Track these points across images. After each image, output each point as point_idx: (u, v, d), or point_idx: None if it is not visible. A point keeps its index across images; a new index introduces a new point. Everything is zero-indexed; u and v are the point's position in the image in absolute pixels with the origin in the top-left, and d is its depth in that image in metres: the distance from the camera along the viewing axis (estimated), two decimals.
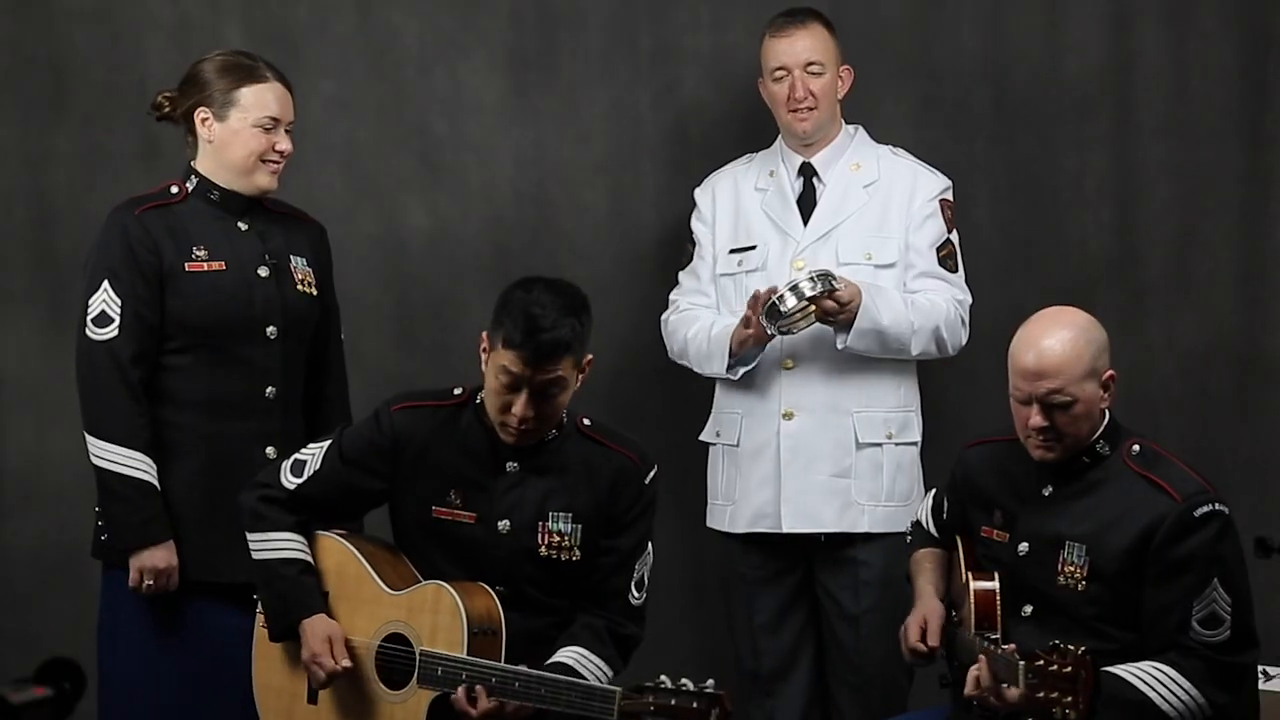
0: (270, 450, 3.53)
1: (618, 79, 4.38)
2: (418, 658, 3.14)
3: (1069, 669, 2.84)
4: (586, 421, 3.31)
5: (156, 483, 3.44)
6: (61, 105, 4.24)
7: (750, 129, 4.37)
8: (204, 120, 3.52)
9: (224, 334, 3.50)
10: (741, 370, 3.87)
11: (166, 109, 3.57)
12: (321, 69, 4.30)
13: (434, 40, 4.34)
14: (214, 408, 3.50)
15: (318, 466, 3.29)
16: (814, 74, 3.89)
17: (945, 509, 3.46)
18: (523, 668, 3.07)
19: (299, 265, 3.62)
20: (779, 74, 3.91)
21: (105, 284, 3.46)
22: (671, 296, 4.05)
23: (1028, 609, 3.20)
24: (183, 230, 3.51)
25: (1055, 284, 4.12)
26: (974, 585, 3.24)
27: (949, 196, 3.94)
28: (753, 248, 3.92)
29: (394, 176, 4.34)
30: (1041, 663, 2.85)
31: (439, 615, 3.15)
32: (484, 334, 3.20)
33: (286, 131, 3.54)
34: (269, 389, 3.55)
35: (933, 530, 3.50)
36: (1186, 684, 3.02)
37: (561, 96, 4.37)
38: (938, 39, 4.34)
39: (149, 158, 3.99)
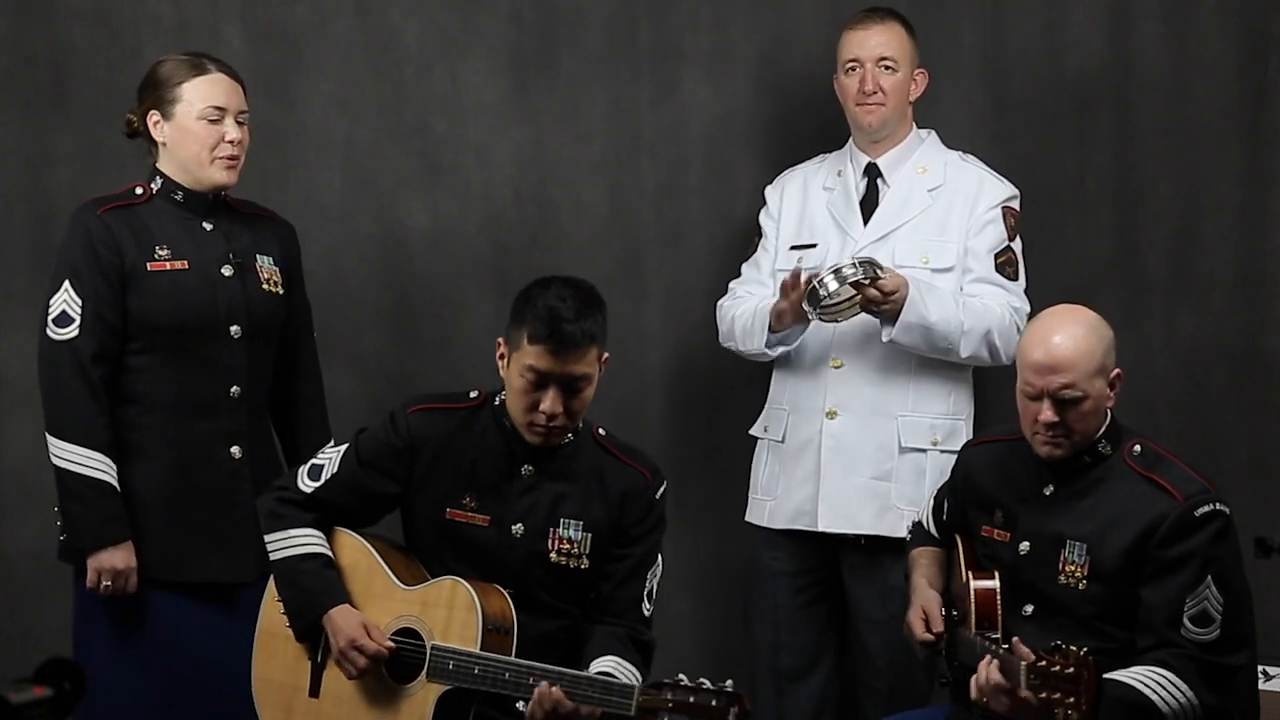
0: (235, 450, 3.53)
1: (618, 79, 4.38)
2: (429, 651, 3.14)
3: (1071, 669, 2.83)
4: (601, 431, 3.32)
5: (116, 483, 3.43)
6: (61, 105, 4.24)
7: (751, 128, 4.37)
8: (155, 123, 3.52)
9: (186, 333, 3.49)
10: (780, 349, 3.87)
11: (135, 123, 3.57)
12: (321, 69, 4.30)
13: (434, 40, 4.34)
14: (178, 408, 3.50)
15: (335, 470, 3.29)
16: (886, 70, 3.89)
17: (945, 510, 3.45)
18: (537, 663, 3.06)
19: (265, 264, 3.61)
20: (851, 66, 3.91)
21: (66, 284, 3.45)
22: (731, 285, 4.06)
23: (1028, 608, 3.20)
24: (145, 229, 3.50)
25: (1055, 284, 4.11)
26: (975, 584, 3.24)
27: (1014, 205, 3.93)
28: (813, 245, 3.92)
29: (394, 176, 4.34)
30: (1044, 663, 2.85)
31: (454, 610, 3.14)
32: (500, 340, 3.22)
33: (239, 123, 3.52)
34: (234, 388, 3.53)
35: (933, 531, 3.50)
36: (1183, 685, 3.02)
37: (561, 96, 4.37)
38: (938, 39, 4.34)
39: (149, 157, 3.96)
